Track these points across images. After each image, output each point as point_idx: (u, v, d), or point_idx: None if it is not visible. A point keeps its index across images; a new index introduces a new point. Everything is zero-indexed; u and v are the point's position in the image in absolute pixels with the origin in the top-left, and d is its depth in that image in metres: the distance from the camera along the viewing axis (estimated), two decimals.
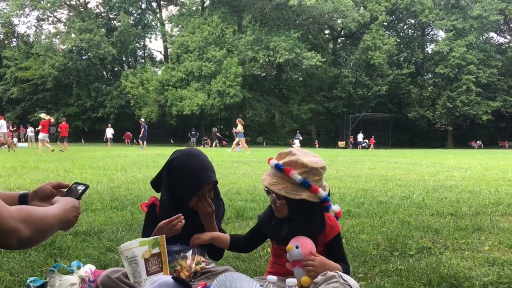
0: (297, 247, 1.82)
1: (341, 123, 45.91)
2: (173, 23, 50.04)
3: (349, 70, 46.60)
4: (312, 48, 44.40)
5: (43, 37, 49.54)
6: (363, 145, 40.84)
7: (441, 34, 49.88)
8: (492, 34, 51.29)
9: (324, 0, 40.94)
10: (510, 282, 2.25)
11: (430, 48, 52.28)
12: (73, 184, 1.72)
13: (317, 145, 43.26)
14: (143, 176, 7.59)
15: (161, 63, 52.49)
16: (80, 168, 9.64)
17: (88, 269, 2.01)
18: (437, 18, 46.30)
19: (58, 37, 47.92)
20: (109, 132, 31.33)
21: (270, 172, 1.93)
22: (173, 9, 53.28)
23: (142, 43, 54.11)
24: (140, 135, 27.11)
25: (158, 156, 15.25)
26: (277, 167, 1.89)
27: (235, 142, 22.68)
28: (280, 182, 1.87)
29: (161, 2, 52.20)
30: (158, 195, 2.19)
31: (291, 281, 1.60)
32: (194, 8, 48.54)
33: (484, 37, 49.50)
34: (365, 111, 45.68)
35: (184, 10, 49.28)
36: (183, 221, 1.97)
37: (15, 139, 27.71)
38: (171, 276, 1.75)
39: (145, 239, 1.81)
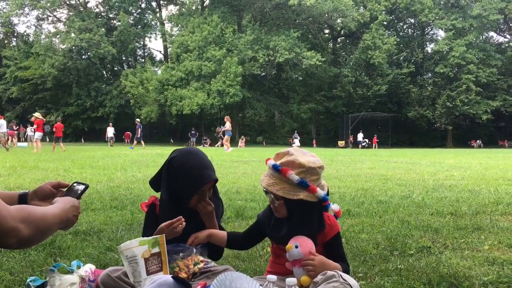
0: (296, 247, 1.82)
1: (340, 122, 45.90)
2: (172, 23, 50.00)
3: (349, 70, 46.58)
4: (312, 47, 44.37)
5: (43, 36, 49.53)
6: (363, 144, 40.83)
7: (441, 33, 49.91)
8: (492, 33, 51.33)
9: None
10: (509, 281, 2.26)
11: (430, 48, 52.28)
12: (72, 184, 1.72)
13: (314, 145, 43.25)
14: (143, 176, 7.59)
15: (160, 62, 52.46)
16: (80, 167, 9.64)
17: (88, 269, 2.01)
18: (437, 17, 46.28)
19: (57, 36, 47.88)
20: (110, 131, 31.27)
21: (268, 173, 1.93)
22: (172, 9, 53.32)
23: (142, 42, 54.13)
24: (138, 135, 26.99)
25: (158, 155, 15.25)
26: (275, 167, 1.89)
27: (226, 140, 22.59)
28: (278, 183, 1.87)
29: (161, 2, 52.17)
30: (157, 195, 2.19)
31: (291, 280, 1.60)
32: (193, 8, 48.52)
33: (484, 37, 49.48)
34: (365, 110, 45.67)
35: (183, 9, 49.25)
36: (184, 223, 1.98)
37: (15, 139, 27.69)
38: (171, 275, 1.75)
39: (145, 238, 1.81)
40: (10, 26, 52.60)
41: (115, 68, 53.38)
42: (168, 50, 49.78)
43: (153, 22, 51.66)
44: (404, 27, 54.21)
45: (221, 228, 2.17)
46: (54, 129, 23.11)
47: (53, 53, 45.53)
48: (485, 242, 3.08)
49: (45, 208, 1.35)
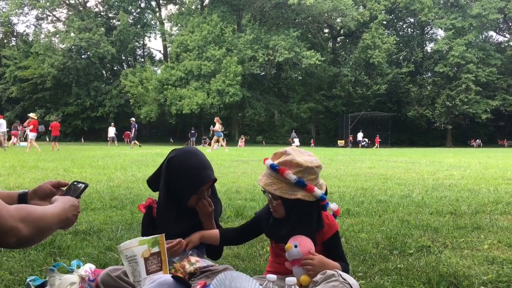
0: (295, 246, 1.82)
1: (340, 122, 45.90)
2: (172, 22, 49.98)
3: (349, 69, 46.56)
4: (312, 47, 44.35)
5: (42, 36, 49.48)
6: (363, 144, 40.83)
7: (441, 33, 49.91)
8: (491, 32, 51.30)
9: None
10: (509, 280, 2.26)
11: (429, 47, 52.28)
12: (72, 183, 1.72)
13: (312, 144, 43.23)
14: (143, 175, 7.59)
15: (160, 62, 52.43)
16: (79, 167, 9.64)
17: (88, 268, 2.02)
18: (437, 17, 46.28)
19: (57, 36, 47.83)
20: (112, 131, 31.25)
21: (266, 172, 1.94)
22: (172, 8, 53.23)
23: (142, 42, 54.07)
24: (131, 134, 27.00)
25: (158, 155, 15.25)
26: (272, 167, 1.89)
27: (214, 140, 22.53)
28: (275, 182, 1.87)
29: (161, 1, 52.12)
30: (155, 195, 2.19)
31: (290, 280, 1.60)
32: (193, 7, 48.49)
33: (483, 36, 49.47)
34: (364, 110, 45.66)
35: (183, 9, 49.22)
36: (184, 245, 1.98)
37: (14, 139, 27.68)
38: (171, 275, 1.75)
39: (145, 238, 1.81)
40: (9, 25, 52.53)
41: (115, 68, 53.34)
42: (168, 49, 49.75)
43: (152, 22, 51.63)
44: (404, 26, 54.20)
45: (219, 227, 2.18)
46: (50, 128, 23.10)
47: (53, 53, 45.49)
48: (485, 242, 3.08)
49: (44, 207, 1.35)
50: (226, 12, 44.31)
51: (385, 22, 48.57)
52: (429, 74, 49.80)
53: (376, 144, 40.56)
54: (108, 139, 31.73)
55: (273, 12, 45.83)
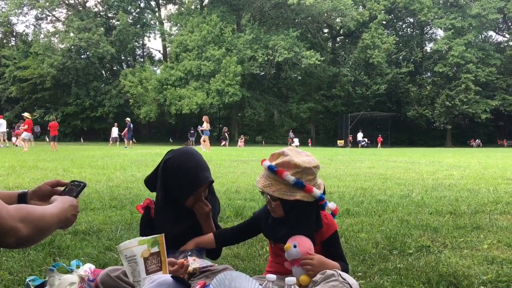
0: (295, 246, 1.82)
1: (340, 122, 45.91)
2: (172, 22, 49.96)
3: (348, 69, 46.57)
4: (311, 47, 44.35)
5: (42, 36, 49.42)
6: (363, 144, 40.83)
7: (440, 32, 49.90)
8: (491, 32, 51.33)
9: None
10: (509, 280, 2.26)
11: (429, 47, 52.28)
12: (70, 183, 1.72)
13: (310, 144, 43.22)
14: (142, 175, 7.58)
15: (160, 62, 52.41)
16: (79, 167, 9.63)
17: (87, 268, 2.01)
18: (436, 16, 46.28)
19: (56, 36, 47.78)
20: (115, 131, 31.30)
21: (264, 174, 1.93)
22: (172, 8, 53.20)
23: (141, 42, 54.03)
24: (123, 134, 27.01)
25: (157, 155, 15.25)
26: (270, 168, 1.88)
27: (202, 139, 22.47)
28: (274, 184, 1.86)
29: (160, 1, 52.08)
30: (153, 195, 2.19)
31: (290, 279, 1.60)
32: (193, 7, 48.47)
33: (483, 36, 49.47)
34: (364, 110, 45.67)
35: (183, 9, 49.20)
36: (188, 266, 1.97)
37: (13, 138, 27.72)
38: (170, 275, 1.74)
39: (144, 238, 1.81)
40: (8, 25, 52.48)
41: (114, 68, 53.31)
42: (167, 49, 49.73)
43: (152, 22, 51.59)
44: (403, 26, 54.21)
45: (217, 227, 2.18)
46: (48, 128, 23.07)
47: (52, 53, 45.44)
48: (484, 241, 3.08)
49: (44, 207, 1.35)
50: (226, 12, 44.30)
51: (384, 22, 48.57)
52: (429, 74, 49.82)
53: (378, 144, 40.56)
54: (111, 139, 31.73)
55: (273, 12, 45.82)
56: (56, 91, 48.34)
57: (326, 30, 53.50)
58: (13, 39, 55.55)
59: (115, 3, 48.92)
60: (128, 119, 28.82)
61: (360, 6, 47.61)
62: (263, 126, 51.82)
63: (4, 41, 54.10)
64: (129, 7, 49.39)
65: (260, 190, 1.92)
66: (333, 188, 6.07)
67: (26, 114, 21.65)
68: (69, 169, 9.06)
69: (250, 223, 2.13)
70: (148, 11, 52.03)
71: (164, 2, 52.63)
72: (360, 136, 41.22)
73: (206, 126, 21.92)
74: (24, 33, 55.16)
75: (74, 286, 1.89)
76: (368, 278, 2.32)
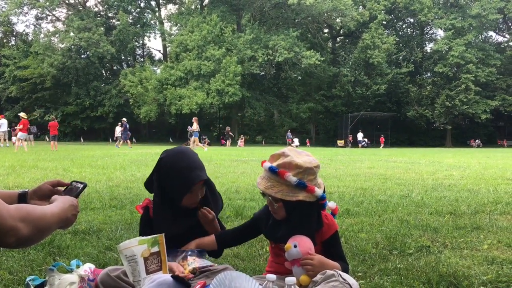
0: (295, 246, 1.82)
1: (340, 122, 45.90)
2: (172, 22, 49.95)
3: (348, 69, 46.56)
4: (311, 47, 44.34)
5: (42, 35, 49.42)
6: (363, 144, 40.83)
7: (440, 33, 49.89)
8: (491, 33, 51.30)
9: None
10: (509, 280, 2.26)
11: (429, 47, 52.26)
12: (71, 183, 1.72)
13: (308, 144, 43.19)
14: (142, 175, 7.59)
15: (160, 62, 52.41)
16: (79, 167, 9.63)
17: (87, 268, 2.01)
18: (436, 17, 46.28)
19: (57, 35, 47.79)
20: (118, 130, 31.35)
21: (265, 175, 1.92)
22: (172, 8, 53.19)
23: (141, 41, 54.02)
24: (119, 133, 26.99)
25: (157, 155, 15.14)
26: (271, 170, 1.87)
27: (192, 140, 22.41)
28: (276, 185, 1.86)
29: (160, 1, 52.07)
30: (152, 196, 2.19)
31: (290, 279, 1.60)
32: (193, 7, 48.46)
33: (483, 36, 49.46)
34: (364, 110, 45.67)
35: (183, 9, 49.19)
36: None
37: (13, 138, 27.69)
38: (170, 275, 1.74)
39: (144, 237, 1.81)
40: (9, 25, 52.49)
41: (114, 68, 53.32)
42: (167, 49, 49.71)
43: (152, 21, 51.59)
44: (404, 26, 54.21)
45: (222, 227, 2.18)
46: (48, 128, 23.04)
47: (52, 52, 45.44)
48: (484, 242, 3.08)
49: (44, 207, 1.35)
50: (226, 12, 44.29)
51: (384, 22, 48.57)
52: (429, 74, 49.81)
53: (381, 144, 40.49)
54: (115, 138, 31.85)
55: (273, 12, 45.81)
56: (56, 90, 48.34)
57: (326, 30, 53.50)
58: (13, 38, 55.56)
59: (115, 2, 48.92)
60: (124, 119, 28.83)
61: (360, 6, 47.60)
62: (263, 126, 51.82)
63: (4, 40, 54.10)
64: (129, 6, 49.39)
65: (262, 192, 1.91)
66: (333, 188, 6.07)
67: (21, 114, 21.63)
68: (69, 168, 9.06)
69: (251, 224, 2.13)
70: (148, 11, 52.03)
71: (164, 2, 52.62)
72: (360, 136, 41.22)
73: (195, 127, 21.83)
74: (24, 32, 55.30)
75: (74, 285, 1.89)
76: (368, 278, 2.32)
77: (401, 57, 48.01)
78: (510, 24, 51.49)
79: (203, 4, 48.63)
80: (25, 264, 2.46)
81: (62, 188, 1.73)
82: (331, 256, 1.89)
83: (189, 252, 2.00)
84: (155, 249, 1.80)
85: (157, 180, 2.07)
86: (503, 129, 53.44)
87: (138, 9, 51.23)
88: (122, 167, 9.61)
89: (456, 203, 4.85)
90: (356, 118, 43.08)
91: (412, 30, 53.69)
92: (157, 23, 51.22)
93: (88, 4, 52.05)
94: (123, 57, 52.93)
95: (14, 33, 55.22)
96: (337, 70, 46.04)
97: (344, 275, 1.73)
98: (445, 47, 44.52)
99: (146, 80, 42.66)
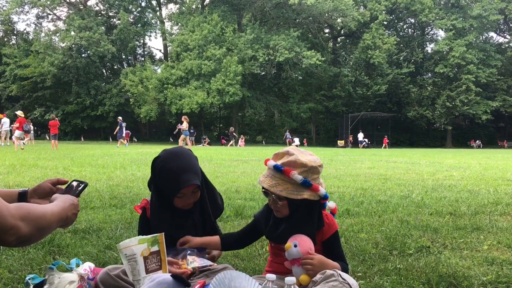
0: (295, 246, 1.82)
1: (340, 122, 45.92)
2: (173, 21, 49.95)
3: (349, 69, 46.57)
4: (312, 47, 44.36)
5: (43, 34, 49.45)
6: (363, 144, 40.82)
7: (441, 33, 49.92)
8: (492, 33, 51.35)
9: None
10: (508, 281, 2.26)
11: (430, 48, 52.29)
12: (72, 182, 1.72)
13: (305, 144, 43.15)
14: (142, 174, 7.59)
15: (160, 61, 52.42)
16: (79, 166, 9.63)
17: (87, 267, 2.01)
18: (437, 17, 46.29)
19: (57, 34, 47.83)
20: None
21: (269, 173, 1.91)
22: (173, 7, 53.25)
23: (142, 41, 54.06)
24: (115, 132, 27.02)
25: (157, 154, 15.23)
26: (277, 168, 1.87)
27: (180, 139, 22.36)
28: (281, 183, 1.86)
29: (161, 0, 52.12)
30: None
31: (290, 279, 1.60)
32: (194, 7, 48.47)
33: (484, 37, 49.49)
34: (364, 110, 45.68)
35: (184, 8, 49.20)
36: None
37: (13, 137, 27.70)
38: (170, 274, 1.74)
39: (144, 237, 1.81)
40: (10, 24, 52.54)
41: (115, 67, 53.34)
42: (168, 48, 49.74)
43: (153, 21, 51.62)
44: (404, 27, 54.22)
45: (215, 228, 2.16)
46: (49, 127, 23.03)
47: (53, 51, 45.48)
48: (484, 242, 3.08)
49: (44, 206, 1.35)
50: (227, 12, 44.30)
51: (385, 23, 48.60)
52: (429, 74, 49.82)
53: (384, 145, 40.46)
54: (119, 137, 31.87)
55: (274, 12, 45.82)
56: (57, 89, 48.37)
57: (327, 30, 53.51)
58: (14, 37, 55.59)
59: (116, 2, 48.94)
60: (120, 117, 28.86)
61: (361, 7, 47.61)
62: (263, 126, 51.84)
63: (5, 39, 54.13)
64: (130, 6, 49.42)
65: (265, 190, 1.91)
66: (333, 188, 6.07)
67: (18, 112, 21.62)
68: (70, 167, 9.06)
69: (252, 226, 2.12)
70: (149, 10, 52.05)
71: (165, 1, 52.65)
72: (361, 136, 41.21)
73: (185, 125, 21.79)
74: (25, 31, 55.21)
75: (73, 284, 1.89)
76: (368, 278, 2.32)
77: (401, 58, 48.03)
78: (511, 25, 51.50)
79: (204, 3, 48.64)
80: (25, 262, 2.46)
81: (62, 187, 1.73)
82: (331, 256, 1.89)
83: (188, 251, 1.99)
84: (155, 248, 1.80)
85: (152, 179, 2.07)
86: (504, 130, 53.44)
87: (139, 9, 51.26)
88: (122, 166, 9.61)
89: (456, 204, 4.85)
90: (357, 119, 43.08)
91: (413, 30, 53.69)
92: (158, 22, 51.26)
93: (89, 3, 52.08)
94: (123, 57, 52.96)
95: (15, 32, 55.27)
96: (338, 70, 46.05)
97: (344, 275, 1.73)
98: (446, 47, 44.52)
99: (147, 80, 42.68)
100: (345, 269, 1.88)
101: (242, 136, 40.63)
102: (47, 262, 2.46)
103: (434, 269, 2.43)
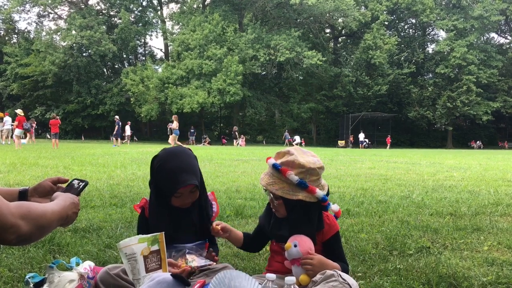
0: (295, 246, 1.82)
1: (341, 122, 45.90)
2: (174, 21, 49.94)
3: (350, 70, 46.54)
4: (313, 47, 44.34)
5: (44, 33, 49.42)
6: (364, 144, 40.80)
7: (442, 34, 49.90)
8: (493, 34, 51.32)
9: None
10: (508, 282, 2.26)
11: (430, 48, 52.26)
12: (72, 180, 1.72)
13: (303, 143, 43.13)
14: (143, 174, 7.59)
15: (161, 60, 52.40)
16: (79, 165, 9.64)
17: (87, 266, 2.01)
18: (438, 18, 46.26)
19: (58, 33, 47.81)
20: (128, 129, 31.61)
21: (268, 172, 1.93)
22: (174, 7, 53.21)
23: (143, 40, 54.03)
24: (114, 132, 27.09)
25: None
26: (275, 166, 1.88)
27: (171, 138, 22.32)
28: (277, 182, 1.86)
29: (162, 0, 52.12)
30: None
31: (290, 279, 1.60)
32: (195, 6, 48.47)
33: (485, 38, 49.47)
34: (365, 110, 45.65)
35: (185, 7, 49.19)
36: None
37: (14, 136, 27.75)
38: (170, 273, 1.74)
39: (144, 236, 1.81)
40: (11, 22, 52.52)
41: (116, 66, 53.33)
42: (169, 48, 49.74)
43: (154, 20, 51.59)
44: (405, 27, 54.19)
45: (213, 241, 2.19)
46: (49, 126, 23.04)
47: (54, 50, 45.47)
48: (485, 243, 3.08)
49: (45, 205, 1.35)
50: (228, 11, 44.30)
51: (386, 23, 48.55)
52: (430, 75, 49.79)
53: (388, 144, 40.40)
54: (126, 137, 32.13)
55: (275, 12, 45.80)
56: (58, 88, 48.37)
57: (328, 30, 53.48)
58: (15, 36, 55.57)
59: (117, 1, 48.93)
60: (117, 116, 28.88)
61: (362, 7, 47.58)
62: (264, 125, 51.82)
63: (6, 38, 54.13)
64: (131, 5, 49.40)
65: (263, 187, 1.92)
66: (333, 188, 6.07)
67: (18, 111, 21.65)
68: (70, 166, 9.07)
69: (258, 230, 2.13)
70: (150, 9, 52.04)
71: (166, 0, 52.63)
72: (361, 136, 41.20)
73: (175, 125, 21.73)
74: (26, 30, 55.16)
75: (73, 283, 1.89)
76: (368, 278, 2.32)
77: (402, 58, 48.00)
78: None
79: (205, 3, 48.63)
80: (25, 261, 2.46)
81: (63, 185, 1.73)
82: (331, 256, 1.89)
83: (187, 250, 1.99)
84: (155, 247, 1.80)
85: (151, 177, 2.07)
86: (504, 131, 53.41)
87: (140, 8, 51.25)
88: (123, 165, 9.61)
89: (456, 204, 4.85)
90: (357, 119, 43.07)
91: (414, 31, 53.67)
92: (159, 21, 51.24)
93: (90, 2, 52.05)
94: (124, 56, 52.95)
95: (16, 31, 55.25)
96: (339, 71, 46.03)
97: (344, 275, 1.73)
98: (447, 48, 44.49)
99: (148, 79, 42.67)
100: (345, 270, 1.88)
101: (242, 136, 40.65)
102: (47, 260, 2.47)
103: (434, 270, 2.43)
